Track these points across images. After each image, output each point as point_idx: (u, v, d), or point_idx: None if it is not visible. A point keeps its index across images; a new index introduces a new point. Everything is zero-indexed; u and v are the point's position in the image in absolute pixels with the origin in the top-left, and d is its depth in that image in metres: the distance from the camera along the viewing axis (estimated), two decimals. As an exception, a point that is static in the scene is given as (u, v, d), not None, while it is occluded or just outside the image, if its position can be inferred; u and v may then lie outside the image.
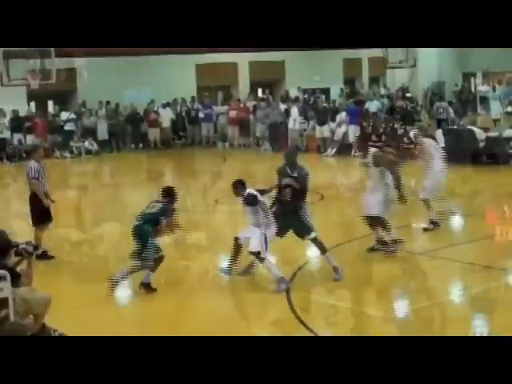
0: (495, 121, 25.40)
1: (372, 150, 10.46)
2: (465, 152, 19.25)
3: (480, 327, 7.92)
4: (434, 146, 12.33)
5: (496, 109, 26.15)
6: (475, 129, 19.97)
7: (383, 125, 24.88)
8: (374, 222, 10.50)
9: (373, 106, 26.32)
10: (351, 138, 23.35)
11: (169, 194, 9.58)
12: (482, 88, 30.37)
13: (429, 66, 32.75)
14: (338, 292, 8.90)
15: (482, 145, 19.14)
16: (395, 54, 24.29)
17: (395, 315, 8.46)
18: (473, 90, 31.36)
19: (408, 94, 29.08)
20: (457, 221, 13.43)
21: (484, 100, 27.88)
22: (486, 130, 20.50)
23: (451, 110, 25.52)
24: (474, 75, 32.80)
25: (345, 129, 23.71)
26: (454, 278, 9.74)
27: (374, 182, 10.41)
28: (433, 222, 12.04)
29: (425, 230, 12.05)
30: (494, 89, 27.59)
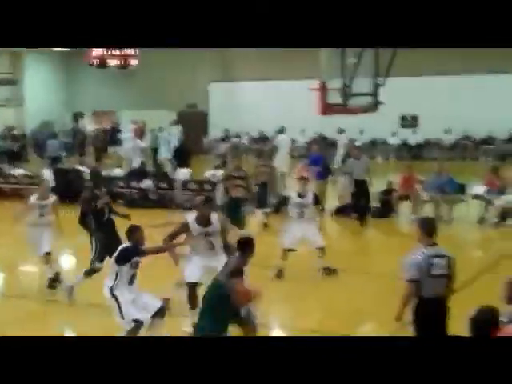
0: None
1: (309, 190, 11.42)
2: (74, 191, 19.18)
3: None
4: None
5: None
6: (81, 168, 20.18)
7: None
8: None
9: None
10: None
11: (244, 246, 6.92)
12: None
13: (37, 105, 32.62)
14: None
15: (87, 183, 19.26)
16: None
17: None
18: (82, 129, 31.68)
19: (15, 132, 28.64)
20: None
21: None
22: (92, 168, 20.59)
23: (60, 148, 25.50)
24: (82, 115, 33.46)
25: None
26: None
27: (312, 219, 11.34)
28: None
29: None
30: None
